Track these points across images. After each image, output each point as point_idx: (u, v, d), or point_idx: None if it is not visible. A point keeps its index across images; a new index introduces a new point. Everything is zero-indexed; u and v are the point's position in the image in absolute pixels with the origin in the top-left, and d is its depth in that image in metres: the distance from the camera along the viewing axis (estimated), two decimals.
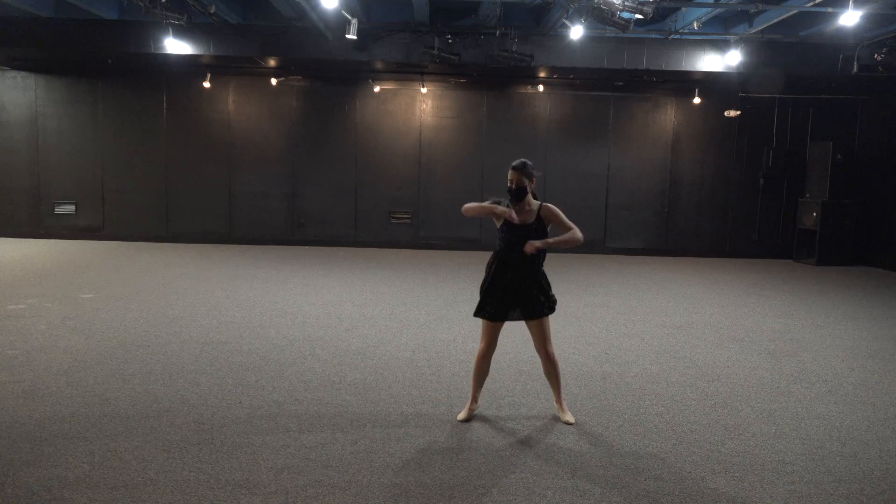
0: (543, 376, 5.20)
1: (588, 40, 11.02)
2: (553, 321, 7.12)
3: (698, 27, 10.35)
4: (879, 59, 10.45)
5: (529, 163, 4.16)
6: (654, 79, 12.56)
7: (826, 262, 12.42)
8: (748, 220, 13.54)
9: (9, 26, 11.05)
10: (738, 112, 13.10)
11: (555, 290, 4.40)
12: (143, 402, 4.43)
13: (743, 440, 4.08)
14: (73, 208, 13.28)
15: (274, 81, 12.99)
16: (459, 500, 3.24)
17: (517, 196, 4.11)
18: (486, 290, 4.15)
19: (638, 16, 8.42)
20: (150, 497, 3.18)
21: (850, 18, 8.67)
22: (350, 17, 9.68)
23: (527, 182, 4.10)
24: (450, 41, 11.17)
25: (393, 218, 13.40)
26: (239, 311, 7.29)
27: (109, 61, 12.43)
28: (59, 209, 13.27)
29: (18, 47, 11.47)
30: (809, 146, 13.01)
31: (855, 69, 10.77)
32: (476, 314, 4.21)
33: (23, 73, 13.03)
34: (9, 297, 7.56)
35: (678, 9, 10.60)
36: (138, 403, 4.39)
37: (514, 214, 4.07)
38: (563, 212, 4.18)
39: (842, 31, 10.20)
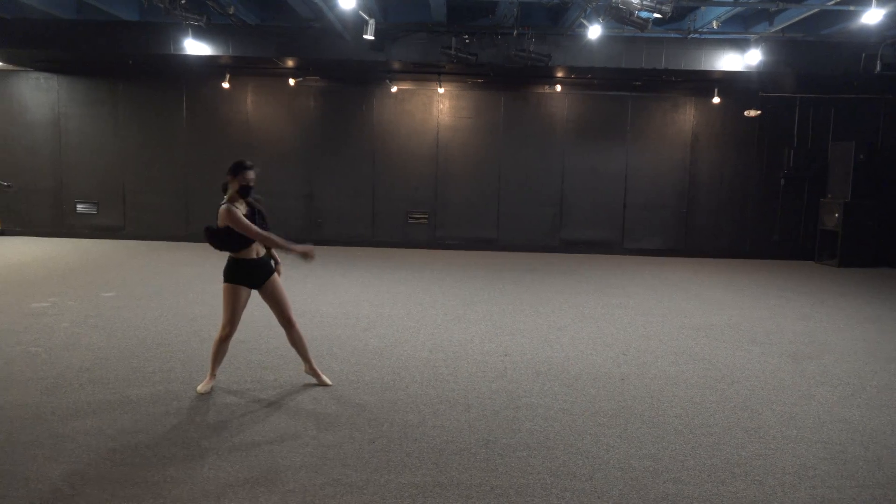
0: (561, 376, 5.21)
1: (606, 40, 10.95)
2: (571, 322, 7.12)
3: (718, 26, 10.24)
4: None
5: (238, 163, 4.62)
6: (673, 78, 12.45)
7: (848, 264, 12.24)
8: (768, 221, 13.39)
9: (31, 28, 11.20)
10: (759, 112, 12.95)
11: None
12: (163, 399, 4.48)
13: (763, 443, 4.04)
14: (95, 208, 13.44)
15: (292, 82, 13.06)
16: (476, 501, 3.24)
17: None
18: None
19: (656, 15, 8.34)
20: (170, 494, 3.22)
21: (873, 16, 8.53)
22: (367, 18, 9.71)
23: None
24: (467, 41, 11.15)
25: (410, 218, 13.41)
26: (257, 309, 7.31)
27: (130, 62, 12.55)
28: (80, 209, 13.44)
29: (41, 49, 11.61)
30: (831, 146, 12.82)
31: (878, 68, 10.59)
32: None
33: (45, 75, 13.21)
34: (32, 295, 7.67)
35: (697, 8, 10.49)
36: (158, 401, 4.44)
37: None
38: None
39: (864, 30, 10.04)
